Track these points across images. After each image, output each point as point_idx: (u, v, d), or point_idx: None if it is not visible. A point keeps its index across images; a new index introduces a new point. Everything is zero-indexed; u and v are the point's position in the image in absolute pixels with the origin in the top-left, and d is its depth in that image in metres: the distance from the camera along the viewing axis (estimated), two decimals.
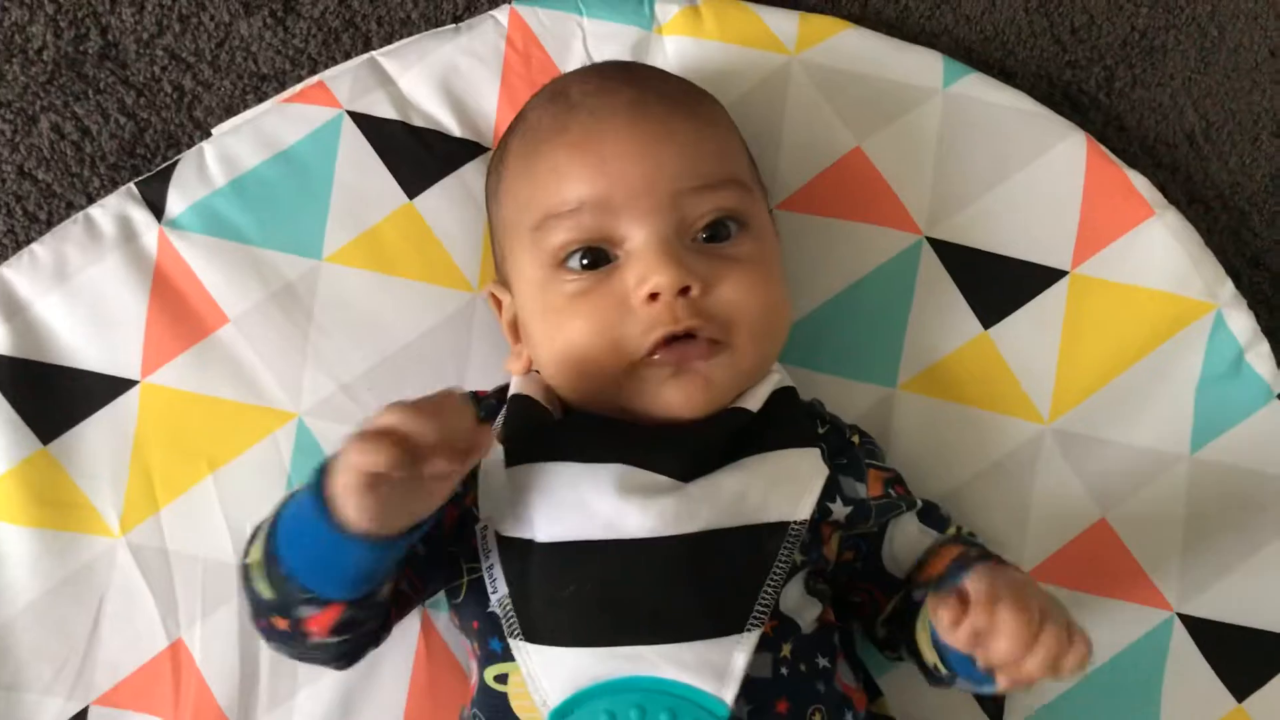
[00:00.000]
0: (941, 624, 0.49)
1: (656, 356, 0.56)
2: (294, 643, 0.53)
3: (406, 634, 0.65)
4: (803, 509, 0.56)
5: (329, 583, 0.50)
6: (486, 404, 0.62)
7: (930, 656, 0.56)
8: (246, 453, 0.67)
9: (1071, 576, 0.68)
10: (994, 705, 0.68)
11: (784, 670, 0.54)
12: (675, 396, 0.56)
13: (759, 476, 0.56)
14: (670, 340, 0.55)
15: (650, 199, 0.56)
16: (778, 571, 0.54)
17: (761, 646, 0.54)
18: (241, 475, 0.67)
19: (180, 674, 0.65)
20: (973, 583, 0.49)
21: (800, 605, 0.57)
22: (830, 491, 0.58)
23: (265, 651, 0.65)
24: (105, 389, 0.66)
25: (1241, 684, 0.68)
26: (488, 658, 0.56)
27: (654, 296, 0.55)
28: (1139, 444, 0.69)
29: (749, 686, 0.53)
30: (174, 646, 0.66)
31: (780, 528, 0.55)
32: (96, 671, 0.65)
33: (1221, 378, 0.69)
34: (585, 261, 0.57)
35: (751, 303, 0.56)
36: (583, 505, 0.54)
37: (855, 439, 0.62)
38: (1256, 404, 0.69)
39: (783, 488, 0.56)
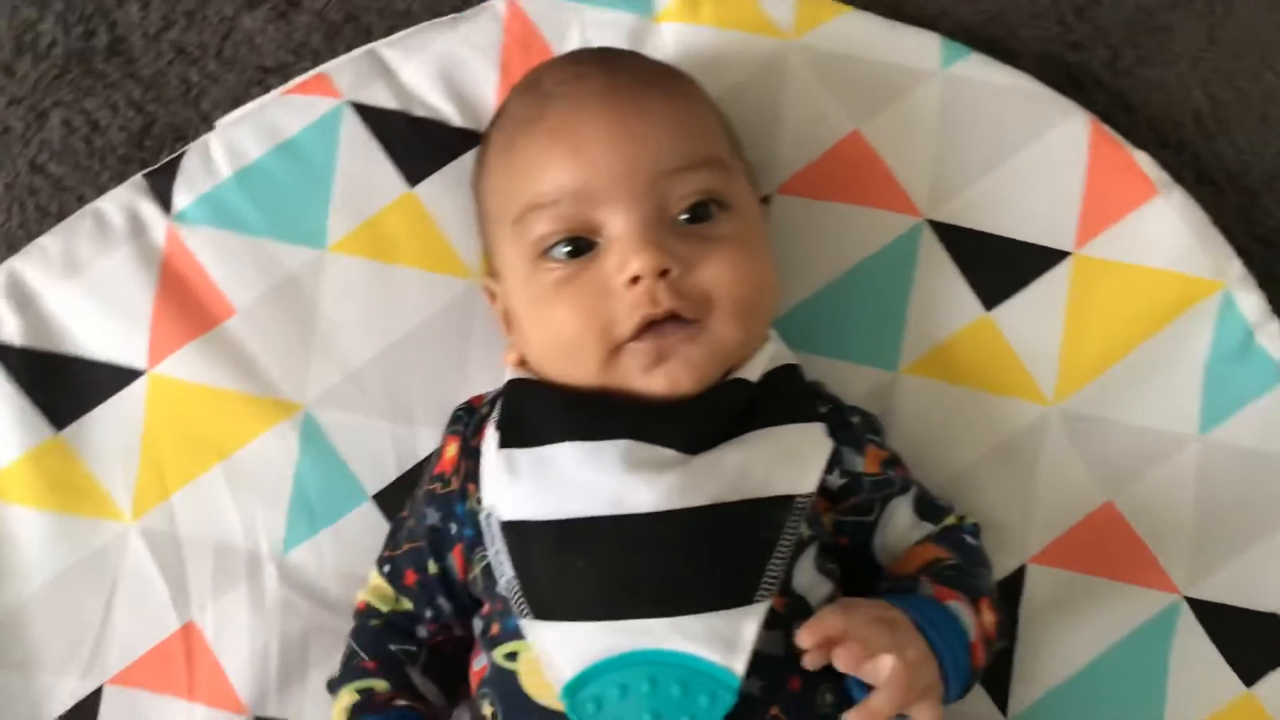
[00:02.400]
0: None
1: (639, 342, 0.56)
2: None
3: None
4: (808, 482, 0.57)
5: None
6: (478, 415, 0.62)
7: None
8: (255, 442, 0.68)
9: (1077, 559, 0.68)
10: (998, 689, 0.68)
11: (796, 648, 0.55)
12: (658, 380, 0.57)
13: (762, 451, 0.57)
14: (651, 324, 0.56)
15: (628, 184, 0.56)
16: (784, 544, 0.55)
17: (774, 624, 0.54)
18: (251, 464, 0.68)
19: (193, 655, 0.67)
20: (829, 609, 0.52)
21: (812, 584, 0.57)
22: (829, 463, 0.59)
23: (275, 634, 0.67)
24: (114, 379, 0.68)
25: (1250, 668, 0.67)
26: (502, 636, 0.57)
27: (635, 280, 0.56)
28: (1146, 425, 0.68)
29: (762, 663, 0.53)
30: (186, 629, 0.67)
31: (785, 501, 0.56)
32: (110, 653, 0.67)
33: (1230, 358, 0.68)
34: (568, 250, 0.57)
35: (733, 281, 0.57)
36: (588, 483, 0.55)
37: (856, 419, 0.62)
38: (1267, 384, 0.68)
39: (786, 462, 0.57)
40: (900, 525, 0.61)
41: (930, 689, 0.51)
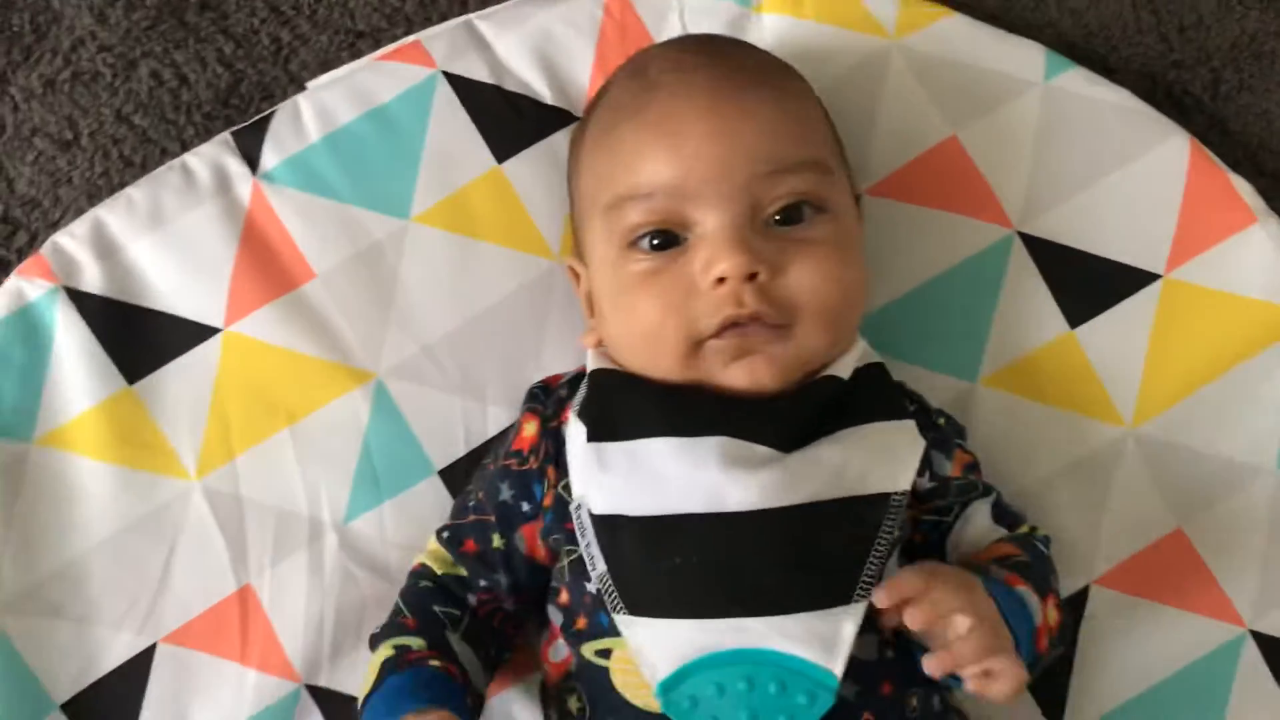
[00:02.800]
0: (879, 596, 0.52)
1: (720, 339, 0.56)
2: None
3: None
4: (903, 480, 0.56)
5: None
6: (555, 395, 0.62)
7: None
8: (324, 409, 0.67)
9: (1143, 584, 0.67)
10: (1054, 709, 0.67)
11: (889, 653, 0.55)
12: (740, 374, 0.56)
13: (858, 448, 0.56)
14: (734, 324, 0.56)
15: (724, 184, 0.56)
16: (881, 543, 0.55)
17: (867, 628, 0.54)
18: (319, 431, 0.67)
19: (248, 619, 0.66)
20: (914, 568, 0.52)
21: None
22: (921, 465, 0.58)
23: (331, 603, 0.66)
24: (190, 335, 0.67)
25: None
26: (591, 632, 0.56)
27: (721, 281, 0.55)
28: (1223, 455, 0.67)
29: (856, 668, 0.53)
30: (242, 591, 0.67)
31: (882, 499, 0.56)
32: (166, 611, 0.66)
33: None
34: (655, 242, 0.57)
35: (820, 287, 0.56)
36: (683, 479, 0.55)
37: (941, 420, 0.62)
38: None
39: (882, 459, 0.57)
40: (978, 528, 0.60)
41: (1009, 649, 0.51)
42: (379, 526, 0.67)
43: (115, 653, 0.66)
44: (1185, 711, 0.67)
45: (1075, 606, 0.67)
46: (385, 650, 0.59)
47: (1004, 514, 0.62)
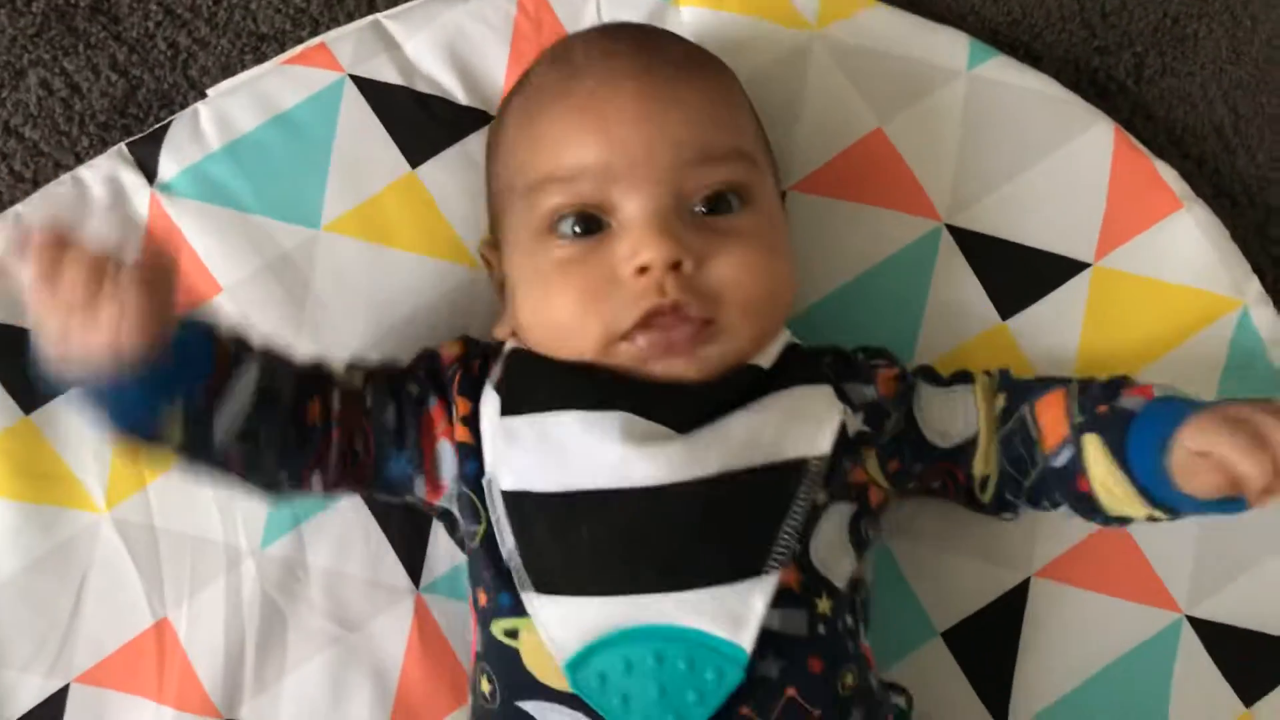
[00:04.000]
0: (1200, 486, 0.50)
1: (639, 340, 0.54)
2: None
3: (399, 620, 0.64)
4: (821, 443, 0.55)
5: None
6: (482, 347, 0.60)
7: (1131, 509, 0.56)
8: None
9: (1080, 575, 0.67)
10: (997, 702, 0.66)
11: (821, 629, 0.53)
12: (659, 368, 0.55)
13: (772, 414, 0.55)
14: (656, 315, 0.54)
15: (649, 169, 0.54)
16: (796, 511, 0.53)
17: (795, 603, 0.53)
18: None
19: (164, 654, 0.64)
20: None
21: (832, 557, 0.55)
22: (852, 407, 0.57)
23: (252, 634, 0.63)
24: None
25: (1250, 688, 0.66)
26: (495, 611, 0.55)
27: (643, 270, 0.53)
28: None
29: (783, 644, 0.52)
30: (159, 625, 0.64)
31: (799, 465, 0.54)
32: (78, 649, 0.63)
33: (1244, 376, 0.67)
34: (577, 229, 0.55)
35: (746, 279, 0.55)
36: (589, 455, 0.53)
37: (860, 355, 0.61)
38: None
39: (798, 424, 0.55)
40: (932, 402, 0.60)
41: None
42: (299, 550, 0.64)
43: (25, 697, 0.63)
44: (1130, 697, 0.66)
45: (1016, 600, 0.66)
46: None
47: (936, 378, 0.61)
